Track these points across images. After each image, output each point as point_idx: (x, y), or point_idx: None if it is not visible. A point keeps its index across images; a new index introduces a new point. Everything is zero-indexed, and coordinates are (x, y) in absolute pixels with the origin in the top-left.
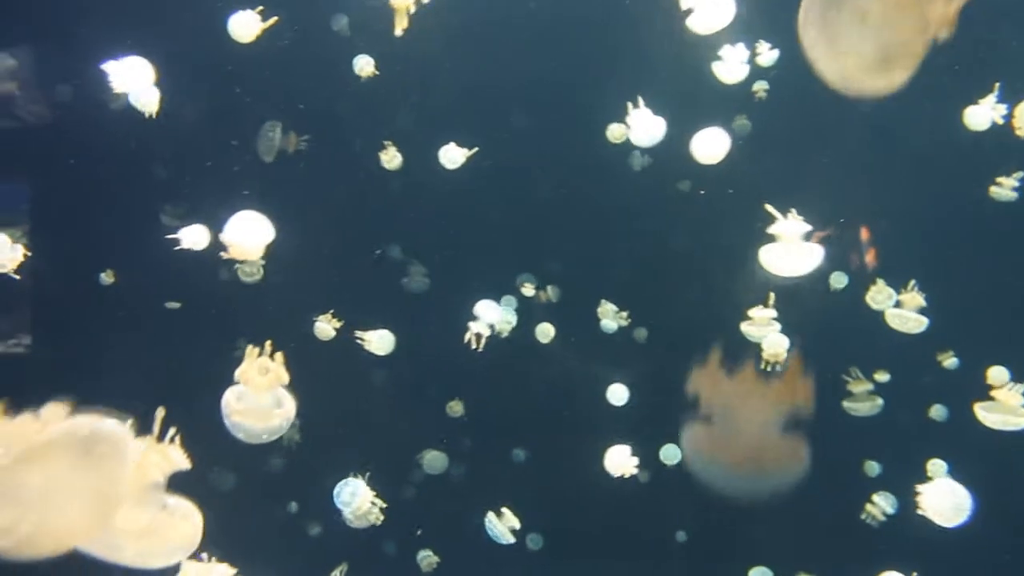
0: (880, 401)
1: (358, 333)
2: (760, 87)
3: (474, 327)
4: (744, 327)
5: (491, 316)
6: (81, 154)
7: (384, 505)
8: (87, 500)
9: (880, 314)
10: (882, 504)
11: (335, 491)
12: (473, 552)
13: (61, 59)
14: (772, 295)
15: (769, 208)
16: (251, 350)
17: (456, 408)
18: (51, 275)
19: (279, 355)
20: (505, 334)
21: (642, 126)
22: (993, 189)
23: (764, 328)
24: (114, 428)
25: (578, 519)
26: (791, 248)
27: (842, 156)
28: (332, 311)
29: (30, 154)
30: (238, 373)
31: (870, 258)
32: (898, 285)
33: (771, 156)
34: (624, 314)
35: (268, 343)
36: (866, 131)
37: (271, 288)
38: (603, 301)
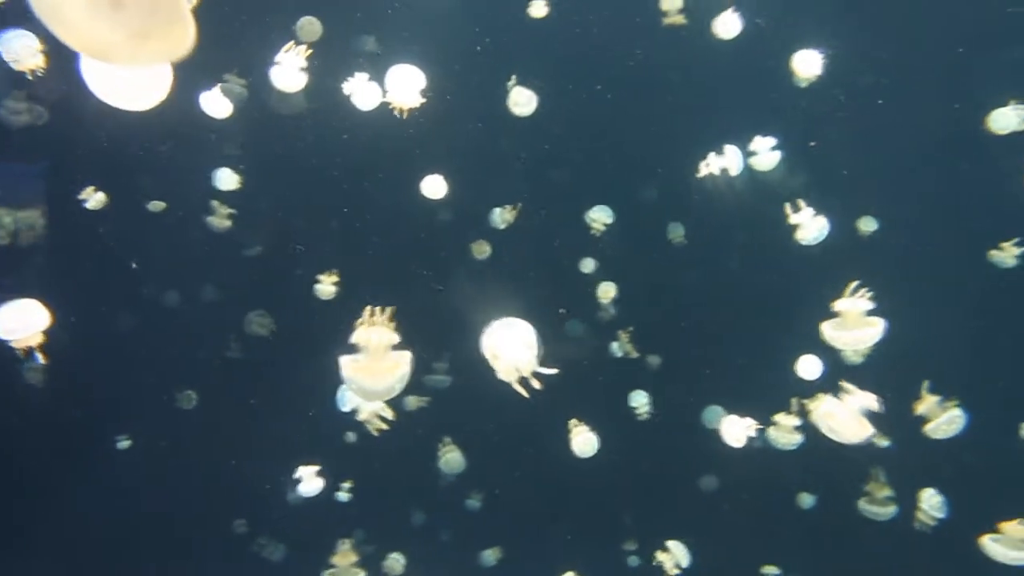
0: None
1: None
2: None
3: (713, 161)
4: (771, 432)
5: (731, 160)
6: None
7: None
8: None
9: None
10: None
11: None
12: None
13: None
14: (795, 401)
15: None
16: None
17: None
18: None
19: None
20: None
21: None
22: None
23: (788, 436)
24: None
25: None
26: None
27: None
28: None
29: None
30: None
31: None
32: None
33: None
34: None
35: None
36: None
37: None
38: None
